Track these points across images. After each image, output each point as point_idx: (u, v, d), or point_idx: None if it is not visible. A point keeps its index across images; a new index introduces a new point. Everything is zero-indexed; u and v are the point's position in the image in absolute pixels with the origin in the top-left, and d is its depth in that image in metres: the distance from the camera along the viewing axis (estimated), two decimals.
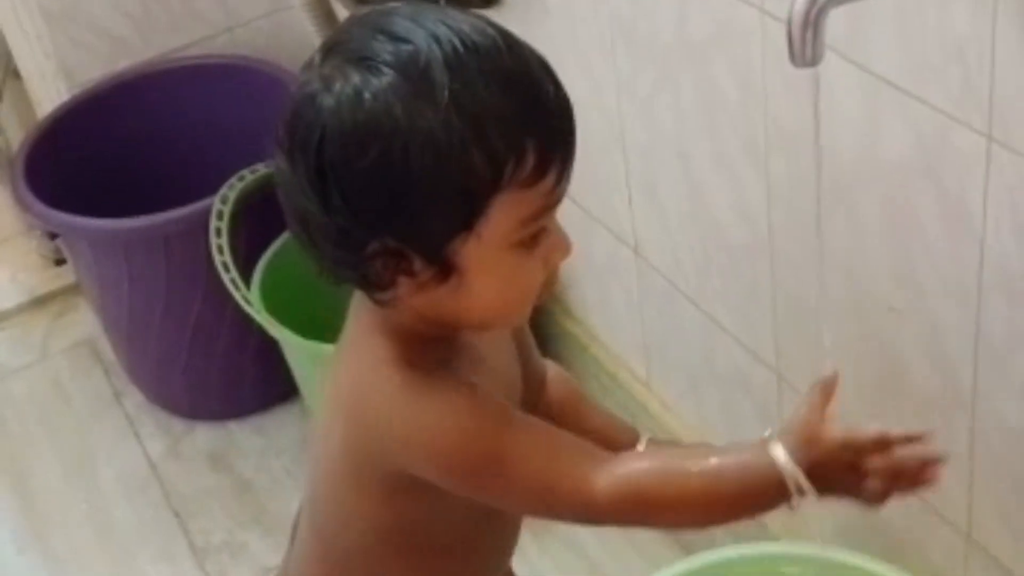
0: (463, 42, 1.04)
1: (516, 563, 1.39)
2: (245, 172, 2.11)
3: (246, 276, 2.06)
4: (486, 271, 1.08)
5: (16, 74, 2.61)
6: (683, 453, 1.11)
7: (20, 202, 2.22)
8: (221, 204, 2.07)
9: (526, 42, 1.09)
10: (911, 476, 1.06)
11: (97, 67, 2.40)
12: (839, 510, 1.57)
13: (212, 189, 2.09)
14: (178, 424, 2.39)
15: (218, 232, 2.06)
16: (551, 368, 1.38)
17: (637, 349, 1.94)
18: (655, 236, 1.75)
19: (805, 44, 1.01)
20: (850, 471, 1.06)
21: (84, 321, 2.60)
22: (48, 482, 2.34)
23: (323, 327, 1.98)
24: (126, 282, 2.20)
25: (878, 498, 1.06)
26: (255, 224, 2.10)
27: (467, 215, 1.05)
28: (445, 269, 1.07)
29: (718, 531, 1.83)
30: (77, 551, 2.22)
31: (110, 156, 2.38)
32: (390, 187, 1.04)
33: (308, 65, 1.08)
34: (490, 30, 1.07)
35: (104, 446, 2.38)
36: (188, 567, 2.15)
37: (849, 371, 1.47)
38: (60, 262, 2.67)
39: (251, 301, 2.02)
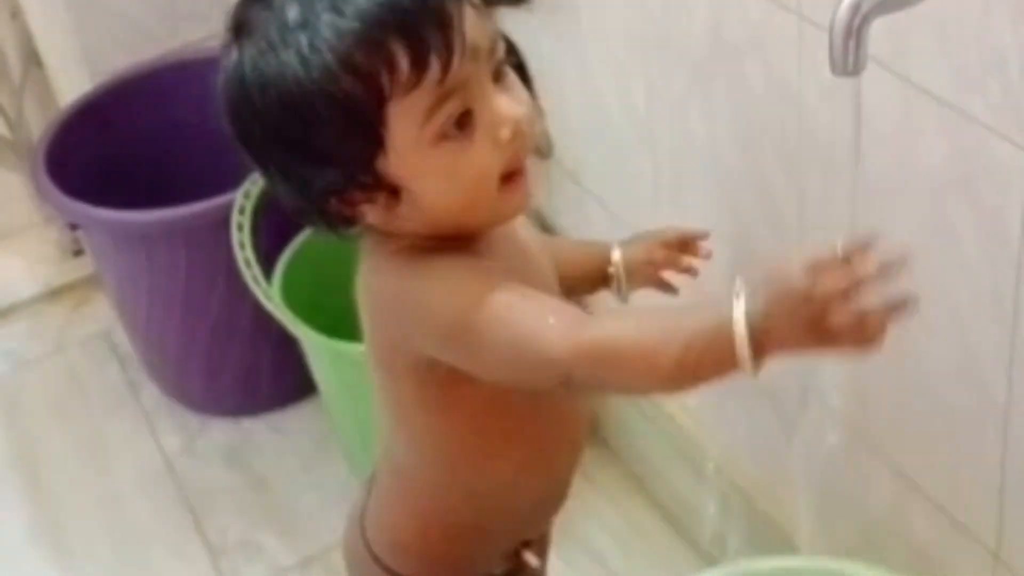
0: None
1: None
2: None
3: (266, 272, 2.04)
4: (424, 174, 1.09)
5: (38, 62, 2.60)
6: (643, 312, 1.07)
7: (41, 192, 2.21)
8: (243, 199, 2.06)
9: None
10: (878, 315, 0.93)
11: (120, 56, 2.39)
12: (866, 524, 1.55)
13: (234, 183, 2.07)
14: (194, 420, 2.38)
15: (240, 227, 2.04)
16: None
17: None
18: None
19: (847, 53, 0.99)
20: (809, 303, 0.93)
21: (101, 313, 2.59)
22: (62, 474, 2.33)
23: (343, 324, 1.96)
24: (146, 275, 2.19)
25: (848, 336, 0.93)
26: (277, 220, 2.06)
27: (369, 136, 1.07)
28: (389, 188, 1.10)
29: (741, 543, 1.82)
30: (89, 545, 2.21)
31: (132, 147, 2.38)
32: (288, 137, 1.08)
33: None
34: None
35: (119, 440, 2.37)
36: (202, 565, 2.13)
37: (878, 385, 1.45)
38: (78, 253, 2.66)
39: (272, 297, 2.01)
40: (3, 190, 2.68)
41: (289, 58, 1.05)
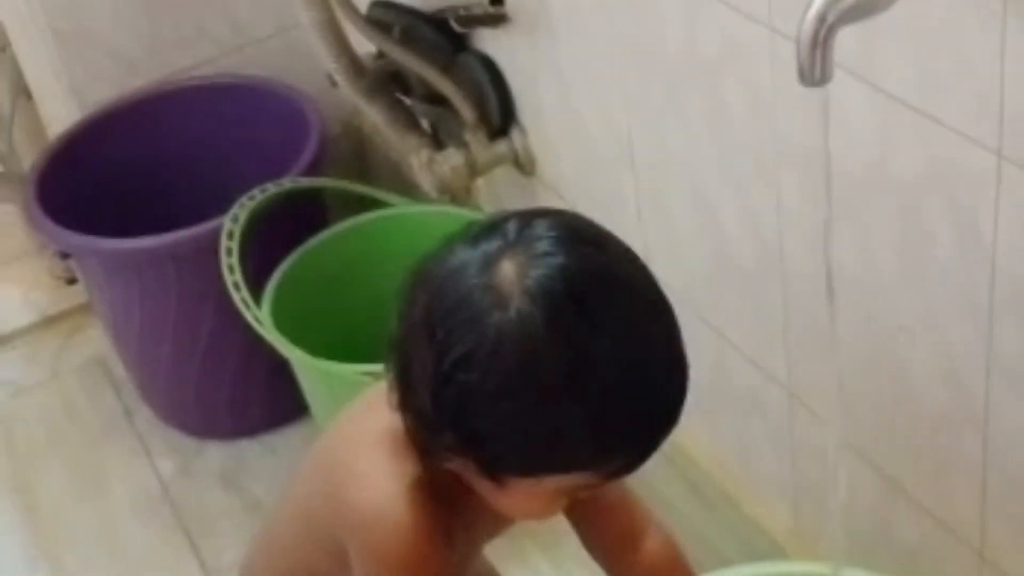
0: (632, 360, 1.06)
1: None
2: (255, 191, 2.11)
3: (256, 295, 2.05)
4: (526, 497, 1.13)
5: (27, 94, 2.62)
6: None
7: (32, 222, 2.22)
8: (232, 223, 2.07)
9: (679, 331, 1.11)
10: None
11: (108, 87, 2.40)
12: (853, 528, 1.56)
13: (222, 208, 2.09)
14: (189, 443, 2.39)
15: (228, 251, 2.05)
16: (660, 535, 1.40)
17: None
18: (665, 253, 1.74)
19: (814, 64, 1.00)
20: None
21: (95, 340, 2.60)
22: (58, 500, 2.34)
23: (333, 346, 1.98)
24: (137, 301, 2.20)
25: None
26: (265, 243, 2.09)
27: (540, 472, 1.09)
28: (493, 476, 1.11)
29: (731, 550, 1.83)
30: (87, 570, 2.21)
31: (121, 175, 2.39)
32: (496, 429, 1.06)
33: (486, 236, 1.08)
34: (655, 329, 1.09)
35: (115, 465, 2.38)
36: None
37: (861, 389, 1.47)
38: (72, 281, 2.67)
39: (262, 320, 2.02)
40: None
41: (570, 400, 1.04)
